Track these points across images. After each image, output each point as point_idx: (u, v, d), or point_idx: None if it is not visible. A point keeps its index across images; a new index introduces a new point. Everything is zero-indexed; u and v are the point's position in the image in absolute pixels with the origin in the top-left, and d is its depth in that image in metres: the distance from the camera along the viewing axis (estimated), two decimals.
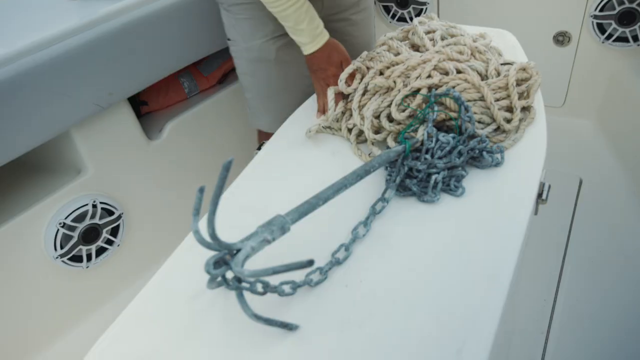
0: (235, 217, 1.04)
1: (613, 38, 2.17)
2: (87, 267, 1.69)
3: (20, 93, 1.37)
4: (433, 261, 0.91)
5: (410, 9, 2.51)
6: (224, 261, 0.77)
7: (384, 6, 2.58)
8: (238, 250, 0.77)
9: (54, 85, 1.43)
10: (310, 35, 1.26)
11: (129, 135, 1.73)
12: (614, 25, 2.15)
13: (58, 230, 1.57)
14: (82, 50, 1.45)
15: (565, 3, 2.21)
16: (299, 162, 1.18)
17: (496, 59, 1.24)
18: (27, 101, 1.38)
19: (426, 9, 2.48)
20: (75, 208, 1.59)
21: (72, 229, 1.61)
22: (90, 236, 1.67)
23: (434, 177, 1.01)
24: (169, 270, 0.96)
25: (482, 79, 1.18)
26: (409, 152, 1.04)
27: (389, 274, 0.90)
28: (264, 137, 1.61)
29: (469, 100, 1.12)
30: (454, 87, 1.13)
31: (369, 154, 1.15)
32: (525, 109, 1.18)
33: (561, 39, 2.31)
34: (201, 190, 0.78)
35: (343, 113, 1.23)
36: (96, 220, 1.66)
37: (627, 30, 2.13)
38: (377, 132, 1.16)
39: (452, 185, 1.02)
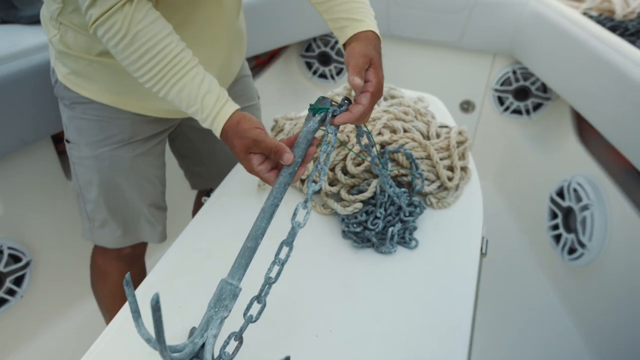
0: (194, 263, 1.01)
1: (510, 110, 2.46)
2: None
3: None
4: (396, 311, 0.94)
5: (332, 66, 2.64)
6: None
7: (306, 62, 2.68)
8: (202, 345, 0.73)
9: None
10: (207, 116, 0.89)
11: (48, 174, 1.59)
12: (511, 99, 2.44)
13: None
14: (11, 80, 1.33)
15: (472, 76, 2.47)
16: (252, 207, 1.16)
17: (435, 121, 1.34)
18: None
19: None
20: None
21: None
22: None
23: (390, 229, 1.06)
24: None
25: (424, 139, 1.27)
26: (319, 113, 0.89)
27: (356, 323, 0.91)
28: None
29: (416, 158, 1.20)
30: (403, 145, 1.20)
31: (322, 205, 1.17)
32: (462, 169, 1.29)
33: (466, 107, 2.56)
34: (127, 284, 0.68)
35: None
36: (0, 268, 1.48)
37: (521, 104, 2.42)
38: (331, 184, 1.19)
39: (406, 237, 1.08)
